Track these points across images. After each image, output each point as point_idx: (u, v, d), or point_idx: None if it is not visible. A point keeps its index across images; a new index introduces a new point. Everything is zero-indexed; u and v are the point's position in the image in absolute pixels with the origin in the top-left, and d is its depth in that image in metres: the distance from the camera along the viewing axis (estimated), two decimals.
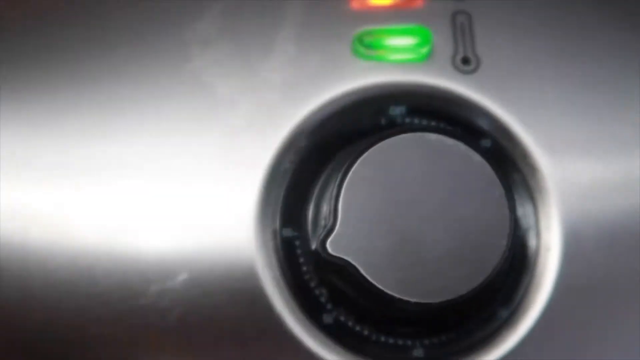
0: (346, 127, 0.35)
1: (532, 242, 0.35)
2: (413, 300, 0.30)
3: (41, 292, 0.33)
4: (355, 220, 0.30)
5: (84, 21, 0.35)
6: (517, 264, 0.34)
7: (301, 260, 0.34)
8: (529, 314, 0.34)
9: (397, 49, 0.35)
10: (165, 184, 0.34)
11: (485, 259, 0.31)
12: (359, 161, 0.31)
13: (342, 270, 0.31)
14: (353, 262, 0.30)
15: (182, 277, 0.33)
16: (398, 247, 0.30)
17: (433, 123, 0.35)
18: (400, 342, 0.33)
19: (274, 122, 0.34)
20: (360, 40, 0.35)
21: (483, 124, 0.35)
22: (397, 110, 0.35)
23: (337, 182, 0.31)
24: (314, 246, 0.33)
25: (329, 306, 0.33)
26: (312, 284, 0.33)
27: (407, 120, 0.35)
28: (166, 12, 0.35)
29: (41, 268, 0.33)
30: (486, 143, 0.35)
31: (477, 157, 0.31)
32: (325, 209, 0.33)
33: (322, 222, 0.33)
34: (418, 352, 0.33)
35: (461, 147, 0.31)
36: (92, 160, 0.34)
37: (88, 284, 0.33)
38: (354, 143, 0.34)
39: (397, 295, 0.30)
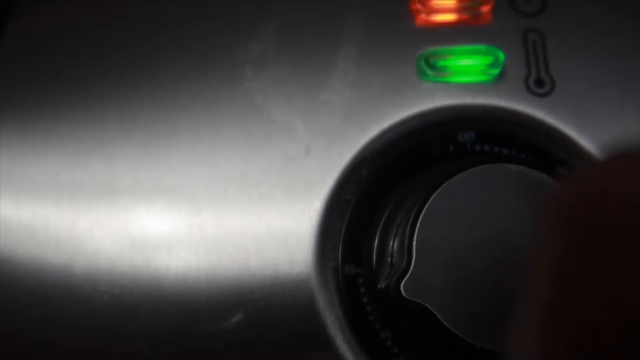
0: (411, 154, 0.32)
1: None
2: (497, 349, 0.27)
3: (82, 332, 0.31)
4: (432, 260, 0.28)
5: (135, 42, 0.32)
6: None
7: (365, 299, 0.31)
8: None
9: (465, 70, 0.33)
10: (219, 215, 0.31)
11: None
12: (435, 195, 0.28)
13: (413, 313, 0.29)
14: (430, 307, 0.27)
15: (237, 317, 0.31)
16: (479, 291, 0.28)
17: (505, 151, 0.32)
18: None
19: (334, 149, 0.32)
20: (426, 60, 0.33)
21: (559, 150, 0.32)
22: (466, 136, 0.32)
23: (410, 218, 0.28)
24: (380, 285, 0.31)
25: (395, 350, 0.31)
26: (377, 326, 0.31)
27: (477, 147, 0.32)
28: (218, 31, 0.33)
29: (84, 304, 0.31)
30: (562, 171, 0.32)
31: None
32: (391, 244, 0.31)
33: (389, 259, 0.31)
34: None
35: (545, 179, 0.28)
36: (142, 189, 0.31)
37: (134, 324, 0.31)
38: (420, 172, 0.32)
39: (479, 344, 0.27)
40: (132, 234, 0.31)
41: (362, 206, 0.32)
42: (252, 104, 0.32)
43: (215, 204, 0.31)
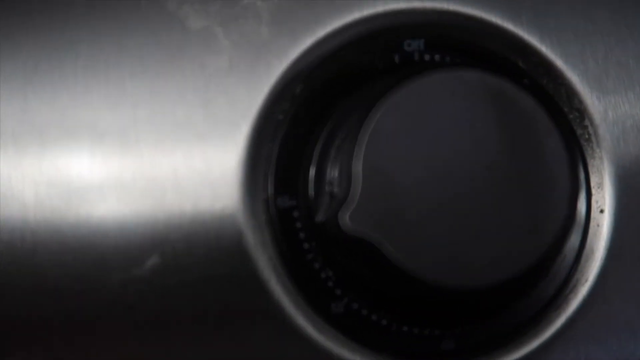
0: (351, 67, 0.28)
1: (580, 203, 0.28)
2: (455, 286, 0.24)
3: None
4: (380, 186, 0.24)
5: None
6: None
7: (302, 235, 0.27)
8: (578, 289, 0.28)
9: None
10: (125, 143, 0.26)
11: (541, 229, 0.24)
12: (381, 110, 0.24)
13: (359, 247, 0.25)
14: (379, 240, 0.23)
15: (152, 262, 0.26)
16: (433, 219, 0.24)
17: (458, 61, 0.28)
18: (426, 332, 0.27)
19: (261, 62, 0.27)
20: None
21: (519, 59, 0.28)
22: (413, 45, 0.28)
23: (353, 138, 0.24)
24: (319, 218, 0.26)
25: (338, 292, 0.27)
26: (317, 265, 0.27)
27: (426, 57, 0.28)
28: None
29: None
30: (523, 82, 0.28)
31: (528, 100, 0.24)
32: (330, 171, 0.27)
33: (328, 189, 0.27)
34: (448, 344, 0.27)
35: (508, 87, 0.24)
36: (32, 114, 0.26)
37: (30, 272, 0.26)
38: (362, 87, 0.27)
39: (434, 281, 0.23)
40: (22, 166, 0.26)
41: (296, 128, 0.27)
42: (162, 9, 0.27)
43: (121, 129, 0.26)
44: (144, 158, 0.27)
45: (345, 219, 0.24)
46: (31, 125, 0.26)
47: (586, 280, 0.28)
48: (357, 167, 0.24)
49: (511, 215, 0.24)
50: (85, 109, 0.27)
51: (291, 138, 0.27)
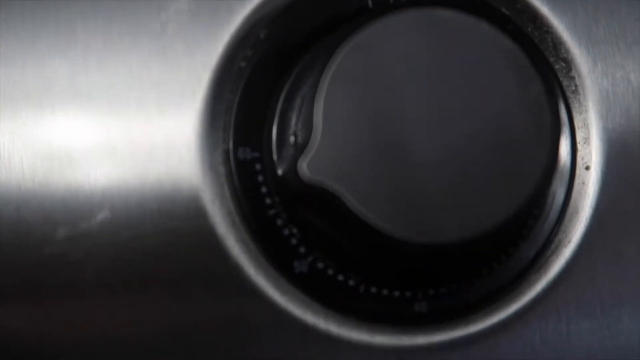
0: (318, 11, 0.26)
1: (565, 158, 0.27)
2: (420, 240, 0.22)
3: None
4: (341, 132, 0.22)
5: None
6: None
7: (264, 190, 0.25)
8: (560, 251, 0.27)
9: None
10: (78, 91, 0.25)
11: (518, 180, 0.23)
12: (343, 52, 0.22)
13: (322, 201, 0.23)
14: (339, 189, 0.22)
15: (101, 216, 0.24)
16: (399, 167, 0.22)
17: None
18: (396, 294, 0.26)
19: (222, 5, 0.26)
20: None
21: (502, 4, 0.26)
22: None
23: (313, 83, 0.22)
24: (281, 171, 0.25)
25: (302, 250, 0.25)
26: (279, 222, 0.25)
27: (402, 0, 0.26)
28: None
29: None
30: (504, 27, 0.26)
31: (506, 42, 0.22)
32: (295, 120, 0.25)
33: (292, 139, 0.25)
34: (420, 305, 0.26)
35: (484, 27, 0.22)
36: None
37: None
38: (330, 32, 0.26)
39: (398, 234, 0.22)
40: None
41: (259, 75, 0.26)
42: None
43: (72, 76, 0.25)
44: (96, 107, 0.25)
45: (304, 167, 0.22)
46: None
47: (569, 242, 0.27)
48: (317, 112, 0.22)
49: (486, 165, 0.22)
50: (33, 56, 0.25)
51: (254, 87, 0.26)
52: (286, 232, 0.25)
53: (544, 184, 0.23)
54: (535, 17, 0.27)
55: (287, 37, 0.26)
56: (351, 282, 0.26)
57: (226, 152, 0.25)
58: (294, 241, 0.25)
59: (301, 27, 0.26)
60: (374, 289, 0.26)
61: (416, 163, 0.22)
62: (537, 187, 0.22)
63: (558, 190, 0.27)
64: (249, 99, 0.26)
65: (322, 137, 0.22)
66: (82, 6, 0.25)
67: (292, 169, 0.24)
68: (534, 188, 0.22)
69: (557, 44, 0.27)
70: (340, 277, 0.25)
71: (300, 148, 0.24)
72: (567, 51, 0.27)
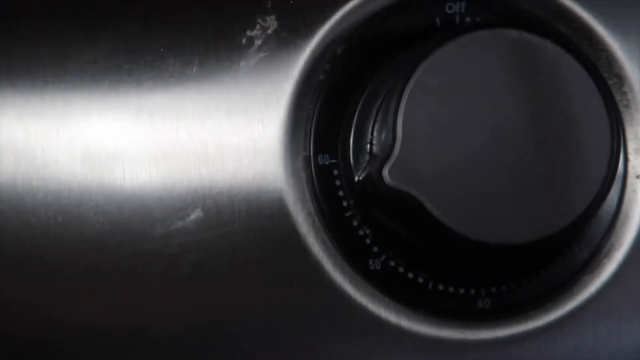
0: (392, 29, 0.28)
1: (618, 168, 0.28)
2: (492, 241, 0.24)
3: (16, 234, 0.27)
4: (420, 142, 0.24)
5: None
6: None
7: (341, 193, 0.27)
8: (613, 255, 0.28)
9: None
10: (170, 100, 0.27)
11: (580, 189, 0.24)
12: (422, 67, 0.24)
13: (398, 205, 0.25)
14: (418, 195, 0.24)
15: (195, 215, 0.27)
16: (473, 176, 0.24)
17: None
18: (462, 291, 0.28)
19: (303, 22, 0.28)
20: None
21: (561, 24, 0.29)
22: (455, 7, 0.28)
23: (395, 95, 0.24)
24: (358, 176, 0.27)
25: (375, 249, 0.27)
26: (355, 223, 0.27)
27: (468, 19, 0.28)
28: None
29: (15, 206, 0.26)
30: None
31: (569, 59, 0.24)
32: (371, 130, 0.27)
33: (368, 147, 0.27)
34: (484, 302, 0.28)
35: (550, 47, 0.24)
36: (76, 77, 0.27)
37: (76, 224, 0.27)
38: (403, 49, 0.28)
39: (472, 237, 0.24)
40: (67, 128, 0.27)
41: (337, 87, 0.28)
42: None
43: (166, 87, 0.27)
44: (189, 116, 0.27)
45: (385, 173, 0.24)
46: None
47: (621, 245, 0.29)
48: (398, 123, 0.24)
49: (551, 175, 0.24)
50: (136, 68, 0.27)
51: (332, 98, 0.28)
52: (361, 232, 0.27)
53: (604, 192, 0.25)
54: (590, 36, 0.29)
55: (362, 53, 0.28)
56: (420, 280, 0.27)
57: (307, 159, 0.27)
58: (368, 241, 0.27)
59: (375, 43, 0.28)
60: (441, 286, 0.27)
61: (488, 171, 0.24)
62: (598, 195, 0.24)
63: (611, 198, 0.29)
64: (327, 110, 0.28)
65: (402, 145, 0.24)
66: (175, 24, 0.28)
67: (369, 174, 0.26)
68: (592, 199, 0.24)
69: (611, 61, 0.29)
70: (410, 275, 0.27)
71: (376, 156, 0.26)
72: (621, 68, 0.29)
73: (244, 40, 0.28)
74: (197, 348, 0.27)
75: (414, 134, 0.24)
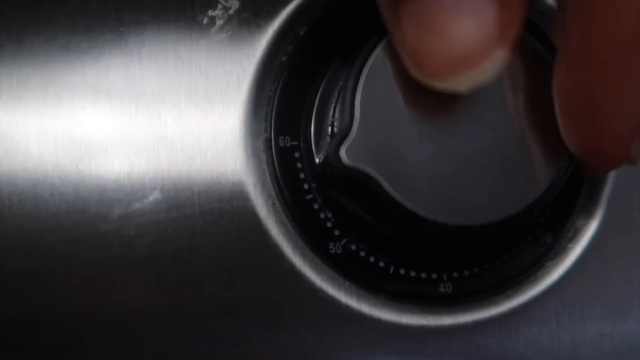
0: (356, 10, 0.28)
1: None
2: (451, 223, 0.24)
3: None
4: (378, 121, 0.24)
5: None
6: None
7: (302, 176, 0.27)
8: (577, 240, 0.28)
9: None
10: (129, 79, 0.27)
11: (543, 170, 0.24)
12: (382, 44, 0.24)
13: (357, 187, 0.25)
14: (375, 175, 0.23)
15: (153, 196, 0.26)
16: (432, 155, 0.24)
17: None
18: (424, 275, 0.27)
19: (265, 4, 0.27)
20: None
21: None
22: None
23: (353, 74, 0.24)
24: (319, 158, 0.26)
25: (336, 232, 0.27)
26: (316, 206, 0.27)
27: None
28: None
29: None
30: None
31: (536, 44, 0.24)
32: (332, 112, 0.27)
33: (329, 129, 0.27)
34: (446, 287, 0.27)
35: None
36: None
37: (32, 205, 0.26)
38: (367, 31, 0.27)
39: (431, 217, 0.24)
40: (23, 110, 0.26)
41: (299, 69, 0.27)
42: None
43: (123, 65, 0.27)
44: (148, 96, 0.27)
45: (342, 153, 0.24)
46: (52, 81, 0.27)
47: (585, 231, 0.28)
48: (356, 102, 0.24)
49: (512, 156, 0.24)
50: (90, 47, 0.27)
51: (294, 79, 0.27)
52: (322, 215, 0.27)
53: (566, 171, 0.24)
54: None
55: (326, 34, 0.28)
56: (381, 264, 0.27)
57: (268, 140, 0.27)
58: (329, 224, 0.27)
59: (338, 25, 0.28)
60: (402, 271, 0.27)
61: (447, 150, 0.24)
62: (562, 174, 0.24)
63: (575, 181, 0.28)
64: (289, 91, 0.27)
65: (359, 124, 0.24)
66: (135, 2, 0.27)
67: (329, 156, 0.26)
68: (560, 175, 0.24)
69: None
70: (372, 259, 0.27)
71: (337, 137, 0.26)
72: None
73: (205, 20, 0.27)
74: (154, 331, 0.27)
75: (372, 112, 0.24)
